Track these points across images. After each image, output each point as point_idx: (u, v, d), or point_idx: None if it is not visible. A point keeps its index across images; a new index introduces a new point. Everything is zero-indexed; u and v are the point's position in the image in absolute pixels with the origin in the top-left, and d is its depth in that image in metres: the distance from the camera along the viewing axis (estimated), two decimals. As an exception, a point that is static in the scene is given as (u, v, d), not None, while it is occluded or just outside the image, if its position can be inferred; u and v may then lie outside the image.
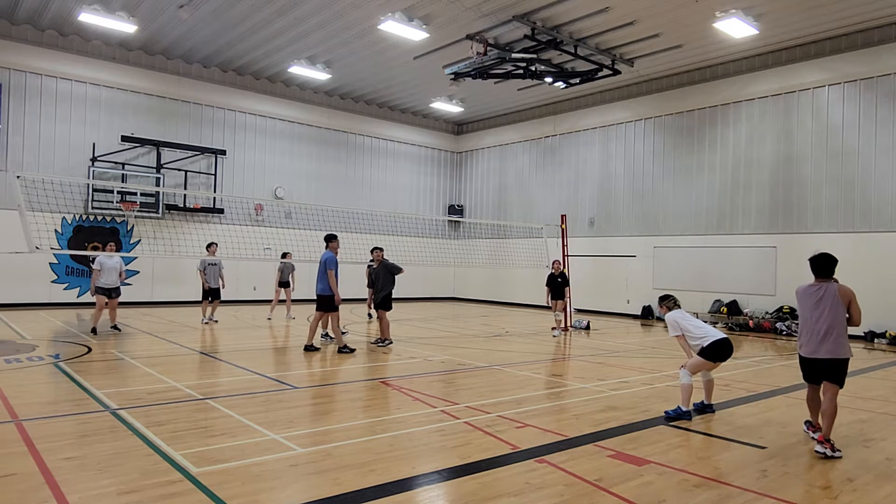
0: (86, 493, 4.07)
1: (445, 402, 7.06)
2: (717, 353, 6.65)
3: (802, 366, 5.88)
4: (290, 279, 16.56)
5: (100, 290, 11.99)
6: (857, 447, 5.74)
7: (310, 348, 10.75)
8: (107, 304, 12.09)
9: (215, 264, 14.78)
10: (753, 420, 6.73)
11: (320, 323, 11.64)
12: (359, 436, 5.61)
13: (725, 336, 6.77)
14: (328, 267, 10.65)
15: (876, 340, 14.55)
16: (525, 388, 8.14)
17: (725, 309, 17.31)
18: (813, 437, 5.83)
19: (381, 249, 12.30)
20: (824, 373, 5.63)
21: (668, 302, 7.33)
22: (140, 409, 6.37)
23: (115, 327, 12.34)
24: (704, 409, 6.93)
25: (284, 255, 16.48)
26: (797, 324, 17.04)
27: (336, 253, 10.95)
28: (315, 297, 10.92)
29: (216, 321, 14.72)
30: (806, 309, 5.79)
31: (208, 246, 14.86)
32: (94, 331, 11.80)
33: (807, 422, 6.18)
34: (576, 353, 11.75)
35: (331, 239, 11.06)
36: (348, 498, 4.14)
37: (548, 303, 14.81)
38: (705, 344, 6.66)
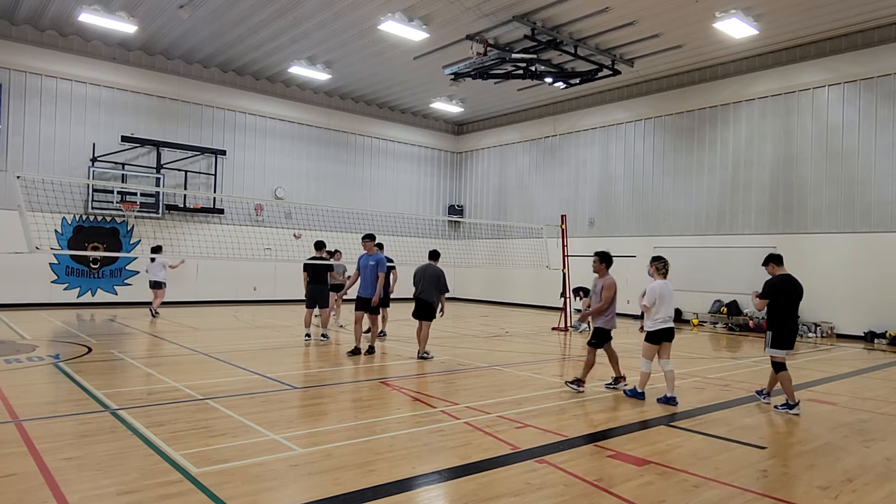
0: (86, 493, 4.07)
1: (445, 402, 7.06)
2: (656, 337, 7.41)
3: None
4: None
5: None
6: (858, 447, 5.74)
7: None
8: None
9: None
10: (753, 420, 6.73)
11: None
12: (359, 436, 5.61)
13: (669, 326, 7.35)
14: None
15: (876, 340, 14.55)
16: (525, 389, 8.14)
17: (725, 309, 17.31)
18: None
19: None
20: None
21: (660, 265, 7.51)
22: (140, 409, 6.36)
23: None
24: (668, 400, 7.23)
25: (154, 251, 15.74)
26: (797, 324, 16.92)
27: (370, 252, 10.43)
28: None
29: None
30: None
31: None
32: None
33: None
34: (576, 354, 11.75)
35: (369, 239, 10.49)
36: (348, 498, 4.14)
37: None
38: (652, 329, 7.35)
